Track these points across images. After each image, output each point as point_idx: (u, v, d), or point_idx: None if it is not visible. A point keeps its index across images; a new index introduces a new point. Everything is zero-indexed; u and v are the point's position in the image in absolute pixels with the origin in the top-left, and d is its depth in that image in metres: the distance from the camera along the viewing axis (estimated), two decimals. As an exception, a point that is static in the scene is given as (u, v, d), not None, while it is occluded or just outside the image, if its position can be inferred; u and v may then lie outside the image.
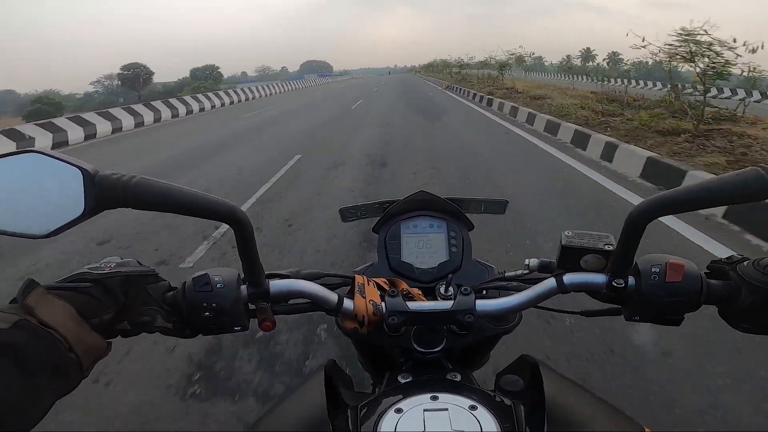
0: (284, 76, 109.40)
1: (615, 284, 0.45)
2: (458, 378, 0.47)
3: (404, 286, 0.53)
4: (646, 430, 0.38)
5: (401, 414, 0.39)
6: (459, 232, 0.61)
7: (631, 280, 0.45)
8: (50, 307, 0.35)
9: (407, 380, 0.47)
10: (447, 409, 0.39)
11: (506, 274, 0.56)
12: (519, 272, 0.55)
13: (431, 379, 0.47)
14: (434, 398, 0.41)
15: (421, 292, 0.52)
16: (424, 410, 0.39)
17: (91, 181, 0.35)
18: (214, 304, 0.44)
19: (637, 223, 0.42)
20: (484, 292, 0.54)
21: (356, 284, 0.49)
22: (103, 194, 0.36)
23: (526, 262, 0.53)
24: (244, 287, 0.46)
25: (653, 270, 0.43)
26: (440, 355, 0.51)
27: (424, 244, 0.60)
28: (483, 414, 0.38)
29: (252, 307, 0.47)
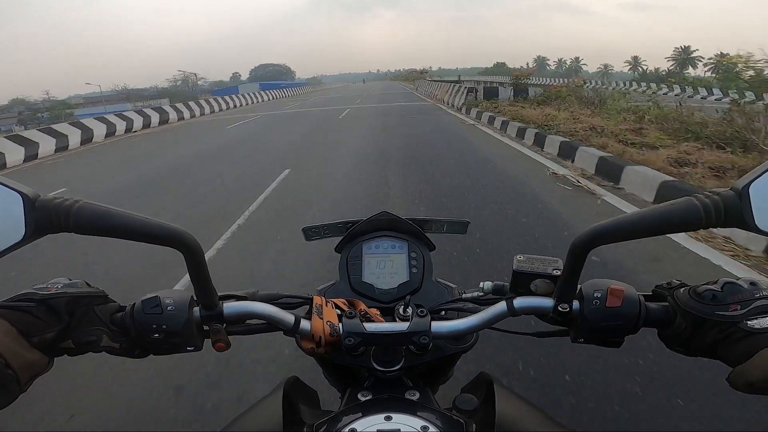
0: (216, 89, 78.34)
1: (560, 309, 0.48)
2: (416, 396, 0.50)
3: (362, 306, 0.55)
4: None
5: None
6: (420, 252, 0.63)
7: (575, 304, 0.48)
8: None
9: (366, 398, 0.49)
10: (399, 430, 0.41)
11: (464, 296, 0.59)
12: (476, 294, 0.58)
13: (389, 398, 0.49)
14: (388, 418, 0.43)
15: (379, 312, 0.55)
16: (378, 430, 0.41)
17: (31, 205, 0.37)
18: (164, 326, 0.45)
19: (578, 252, 0.44)
20: (443, 312, 0.57)
21: (314, 305, 0.51)
22: (43, 219, 0.37)
23: (481, 284, 0.56)
24: (197, 309, 0.48)
25: (595, 295, 0.47)
26: (401, 372, 0.53)
27: (385, 265, 0.63)
28: None
29: (206, 328, 0.48)
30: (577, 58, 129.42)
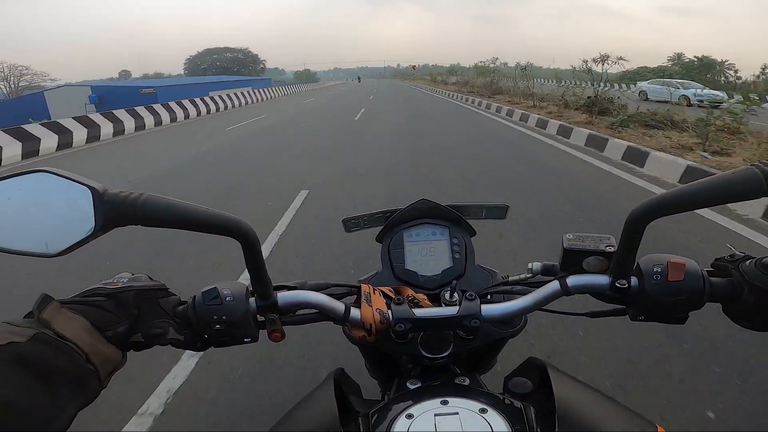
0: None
1: (618, 285, 0.47)
2: (467, 382, 0.50)
3: (410, 292, 0.56)
4: (659, 429, 0.41)
5: (412, 419, 0.41)
6: (461, 238, 0.65)
7: (633, 280, 0.48)
8: (66, 321, 0.38)
9: (416, 386, 0.50)
10: (457, 413, 0.41)
11: (510, 279, 0.60)
12: (522, 276, 0.58)
13: (440, 384, 0.50)
14: (444, 403, 0.43)
15: (426, 297, 0.56)
16: (435, 415, 0.41)
17: (100, 199, 0.38)
18: (224, 317, 0.46)
19: (636, 225, 0.44)
20: (489, 296, 0.58)
21: (363, 293, 0.52)
22: (112, 212, 0.38)
23: (529, 266, 0.57)
24: (252, 300, 0.49)
25: (655, 270, 0.46)
26: (448, 360, 0.55)
27: (428, 252, 0.64)
28: (493, 416, 0.40)
29: (261, 318, 0.50)
30: (723, 62, 48.62)
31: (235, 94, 20.29)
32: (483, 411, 0.41)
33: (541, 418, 0.41)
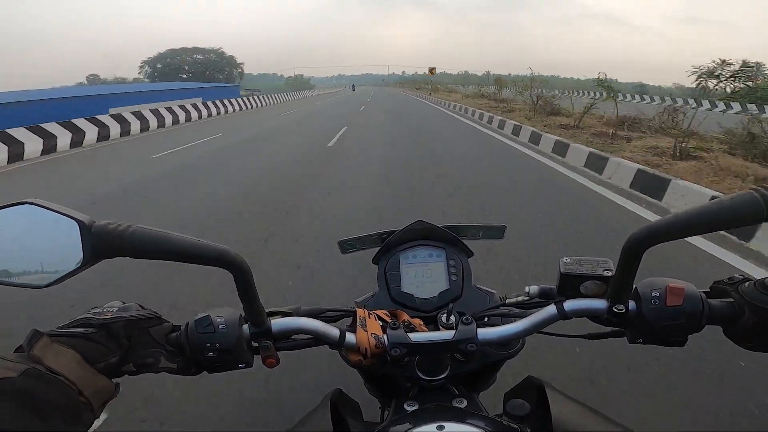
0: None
1: (615, 310, 0.48)
2: (464, 404, 0.50)
3: (405, 317, 0.56)
4: None
5: None
6: (458, 259, 0.65)
7: (631, 304, 0.48)
8: (56, 355, 0.38)
9: (414, 408, 0.50)
10: None
11: (507, 300, 0.60)
12: (520, 298, 0.58)
13: (437, 406, 0.50)
14: (440, 428, 0.43)
15: (422, 323, 0.55)
16: None
17: (87, 232, 0.38)
18: (217, 345, 0.47)
19: (634, 251, 0.44)
20: (486, 319, 0.58)
21: (358, 318, 0.52)
22: (99, 244, 0.38)
23: (526, 288, 0.57)
24: (246, 326, 0.49)
25: (653, 294, 0.46)
26: (445, 381, 0.54)
27: (424, 274, 0.64)
28: None
29: (255, 344, 0.50)
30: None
31: (158, 110, 13.68)
32: None
33: None
